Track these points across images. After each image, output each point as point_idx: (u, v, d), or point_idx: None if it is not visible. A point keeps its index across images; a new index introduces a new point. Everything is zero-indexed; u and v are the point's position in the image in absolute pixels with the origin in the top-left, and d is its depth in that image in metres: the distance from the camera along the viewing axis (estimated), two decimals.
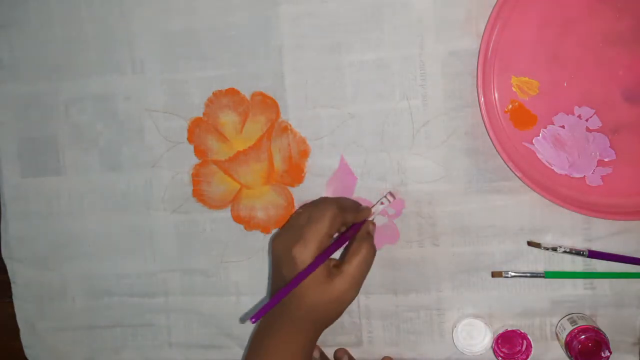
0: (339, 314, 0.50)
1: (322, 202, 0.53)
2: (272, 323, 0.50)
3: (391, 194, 0.55)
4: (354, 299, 0.49)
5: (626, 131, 0.52)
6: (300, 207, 0.56)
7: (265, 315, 0.49)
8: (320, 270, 0.47)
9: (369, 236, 0.52)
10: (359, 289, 0.49)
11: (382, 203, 0.55)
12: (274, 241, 0.51)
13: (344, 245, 0.52)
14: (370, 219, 0.55)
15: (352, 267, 0.48)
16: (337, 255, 0.54)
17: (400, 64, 0.55)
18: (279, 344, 0.49)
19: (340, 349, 0.58)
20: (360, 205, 0.55)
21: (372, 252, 0.50)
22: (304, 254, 0.47)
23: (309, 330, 0.50)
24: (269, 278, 0.59)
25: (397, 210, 0.56)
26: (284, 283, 0.48)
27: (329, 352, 0.59)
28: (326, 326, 0.50)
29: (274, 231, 0.58)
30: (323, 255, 0.48)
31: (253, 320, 0.43)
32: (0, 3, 0.60)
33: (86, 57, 0.59)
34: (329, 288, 0.48)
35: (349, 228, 0.52)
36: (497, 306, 0.56)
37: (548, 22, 0.52)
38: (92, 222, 0.61)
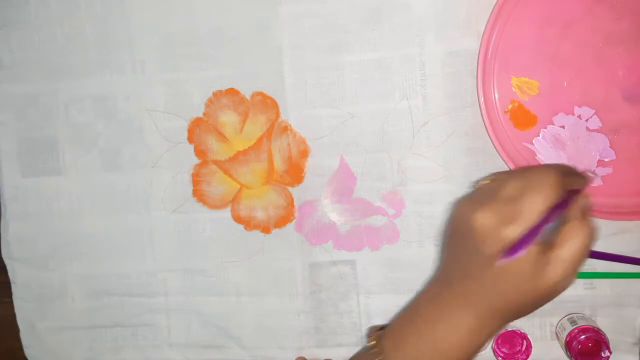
0: (541, 305, 0.41)
1: (536, 168, 0.41)
2: (453, 300, 0.41)
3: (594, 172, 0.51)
4: (566, 288, 0.39)
5: (626, 131, 0.52)
6: (495, 175, 0.43)
7: (443, 285, 0.42)
8: (528, 264, 0.38)
9: (587, 212, 0.41)
10: (573, 278, 0.39)
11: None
12: (471, 213, 0.39)
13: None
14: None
15: (571, 250, 0.38)
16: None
17: (400, 64, 0.55)
18: (461, 326, 0.40)
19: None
20: (576, 169, 0.43)
21: (593, 233, 0.40)
22: (520, 234, 0.37)
23: (497, 326, 0.41)
24: (442, 252, 0.47)
25: (397, 210, 0.56)
26: (484, 261, 0.38)
27: (329, 354, 0.59)
28: (523, 314, 0.41)
29: (457, 198, 0.45)
30: (553, 211, 0.38)
31: (507, 256, 0.36)
32: (0, 3, 0.60)
33: (86, 57, 0.59)
34: (542, 278, 0.38)
35: (561, 200, 0.40)
36: None
37: (548, 22, 0.52)
38: (92, 222, 0.61)
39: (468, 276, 0.40)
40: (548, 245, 0.39)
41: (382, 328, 0.45)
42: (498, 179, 0.41)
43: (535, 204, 0.38)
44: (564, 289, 0.40)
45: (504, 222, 0.38)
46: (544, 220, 0.38)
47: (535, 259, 0.38)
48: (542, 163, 0.48)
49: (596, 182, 0.53)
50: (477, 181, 0.44)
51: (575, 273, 0.39)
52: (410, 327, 0.43)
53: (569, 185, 0.41)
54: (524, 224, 0.38)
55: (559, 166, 0.41)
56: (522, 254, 0.36)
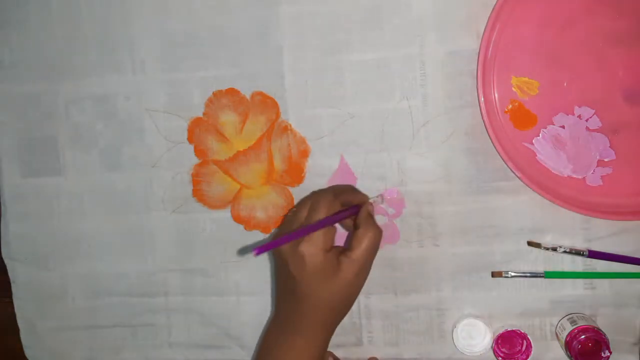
0: (351, 303, 0.50)
1: (316, 193, 0.53)
2: (283, 335, 0.50)
3: (382, 196, 0.56)
4: (362, 285, 0.49)
5: (626, 131, 0.52)
6: (295, 206, 0.56)
7: (274, 328, 0.51)
8: (324, 261, 0.47)
9: (371, 217, 0.51)
10: (367, 274, 0.49)
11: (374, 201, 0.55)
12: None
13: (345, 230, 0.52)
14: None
15: (359, 250, 0.48)
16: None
17: (400, 64, 0.55)
18: (297, 353, 0.49)
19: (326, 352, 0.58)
20: (355, 187, 0.55)
21: (378, 234, 0.49)
22: (311, 248, 0.46)
23: (326, 332, 0.50)
24: (272, 277, 0.59)
25: (397, 210, 0.56)
26: (293, 281, 0.47)
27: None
28: (339, 320, 0.50)
29: (273, 231, 0.58)
30: (327, 219, 0.47)
31: (256, 252, 0.41)
32: (0, 3, 0.60)
33: (86, 57, 0.59)
34: (338, 276, 0.47)
35: (345, 209, 0.51)
36: (497, 306, 0.56)
37: (548, 22, 0.52)
38: (92, 222, 0.61)
39: (287, 300, 0.49)
40: (344, 247, 0.49)
41: None
42: (298, 208, 0.51)
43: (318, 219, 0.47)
44: (361, 284, 0.49)
45: (299, 241, 0.46)
46: (310, 227, 0.47)
47: (328, 259, 0.47)
48: (320, 189, 0.56)
49: (596, 183, 0.53)
50: (287, 214, 0.55)
51: (365, 269, 0.49)
52: None
53: (347, 200, 0.51)
54: (314, 241, 0.47)
55: (334, 188, 0.54)
56: (270, 247, 0.43)
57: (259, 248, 0.41)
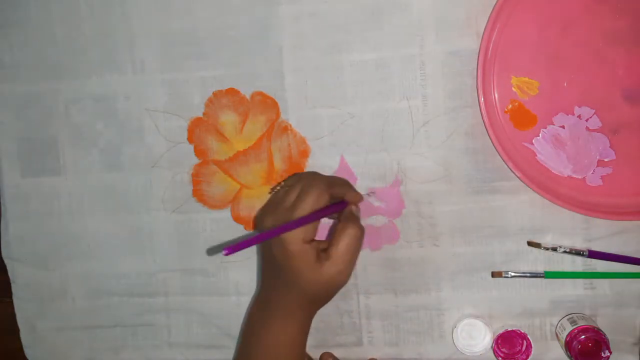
0: (330, 296, 0.50)
1: (310, 178, 0.51)
2: (264, 312, 0.50)
3: (374, 192, 0.56)
4: (346, 281, 0.48)
5: (626, 131, 0.52)
6: (285, 181, 0.55)
7: (257, 305, 0.51)
8: (309, 255, 0.46)
9: (353, 216, 0.50)
10: (350, 271, 0.48)
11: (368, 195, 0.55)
12: (262, 220, 0.50)
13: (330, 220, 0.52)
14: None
15: (339, 249, 0.47)
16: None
17: (400, 64, 0.55)
18: (275, 331, 0.49)
19: (326, 352, 0.58)
20: (350, 184, 0.54)
21: (359, 231, 0.48)
22: (293, 234, 0.46)
23: (304, 315, 0.50)
24: (257, 254, 0.58)
25: (397, 210, 0.56)
26: (275, 263, 0.48)
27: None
28: (318, 307, 0.51)
29: (258, 208, 0.57)
30: (307, 217, 0.46)
31: (226, 252, 0.40)
32: (0, 3, 0.60)
33: (86, 57, 0.59)
34: (319, 272, 0.47)
35: (333, 204, 0.50)
36: (497, 306, 0.56)
37: (548, 22, 0.52)
38: (92, 222, 0.61)
39: (269, 277, 0.50)
40: (328, 244, 0.48)
41: None
42: (286, 186, 0.51)
43: (302, 210, 0.46)
44: (343, 281, 0.48)
45: (281, 223, 0.46)
46: (306, 218, 0.46)
47: (318, 258, 0.47)
48: (315, 173, 0.55)
49: (596, 183, 0.53)
50: (272, 189, 0.54)
51: (349, 265, 0.48)
52: (246, 348, 0.52)
53: (339, 194, 0.50)
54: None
55: (330, 179, 0.52)
56: (241, 248, 0.41)
57: (229, 248, 0.40)
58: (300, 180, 0.50)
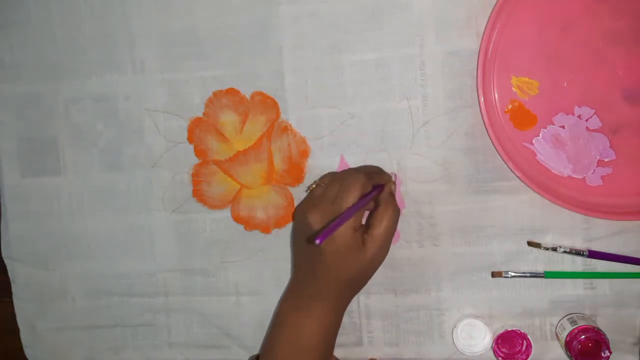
0: (369, 278, 0.52)
1: (348, 172, 0.53)
2: (298, 301, 0.52)
3: (395, 174, 0.56)
4: (383, 260, 0.51)
5: (626, 131, 0.52)
6: (322, 179, 0.55)
7: (291, 294, 0.53)
8: (358, 241, 0.48)
9: (392, 197, 0.52)
10: (387, 250, 0.51)
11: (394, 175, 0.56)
12: (305, 215, 0.50)
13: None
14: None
15: (381, 229, 0.49)
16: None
17: (400, 64, 0.55)
18: (309, 322, 0.50)
19: None
20: (381, 168, 0.55)
21: (397, 212, 0.51)
22: (342, 228, 0.47)
23: (342, 302, 0.52)
24: (291, 244, 0.58)
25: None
26: (318, 253, 0.48)
27: None
28: (355, 293, 0.53)
29: (297, 206, 0.57)
30: (358, 204, 0.48)
31: (319, 240, 0.41)
32: (0, 3, 0.60)
33: (86, 57, 0.59)
34: (363, 253, 0.49)
35: (373, 188, 0.51)
36: (497, 306, 0.56)
37: (548, 22, 0.52)
38: (92, 222, 0.61)
39: (311, 267, 0.50)
40: (365, 227, 0.50)
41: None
42: (324, 182, 0.53)
43: (347, 202, 0.48)
44: (382, 259, 0.50)
45: (328, 217, 0.49)
46: (353, 208, 0.47)
47: (356, 238, 0.48)
48: (351, 168, 0.56)
49: (596, 183, 0.53)
50: (309, 186, 0.55)
51: (386, 246, 0.50)
52: (278, 337, 0.52)
53: (376, 180, 0.51)
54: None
55: (365, 168, 0.54)
56: (329, 234, 0.42)
57: (321, 236, 0.41)
58: (337, 176, 0.53)
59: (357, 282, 0.52)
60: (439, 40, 0.54)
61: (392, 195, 0.52)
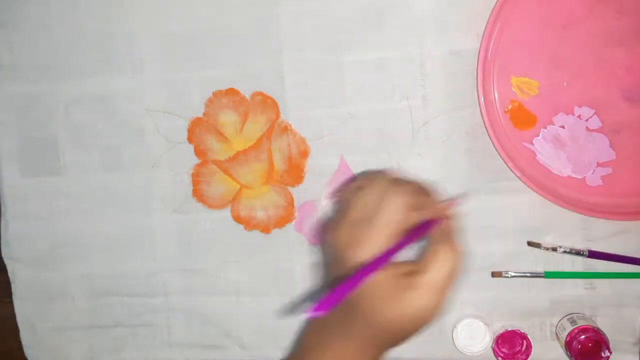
0: (407, 336, 0.39)
1: (391, 191, 0.39)
2: (329, 329, 0.40)
3: (461, 197, 0.50)
4: (434, 319, 0.37)
5: (626, 131, 0.52)
6: (359, 185, 0.42)
7: (319, 320, 0.40)
8: (386, 283, 0.37)
9: (447, 235, 0.40)
10: (441, 306, 0.37)
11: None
12: (332, 234, 0.40)
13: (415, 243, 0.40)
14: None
15: (428, 277, 0.37)
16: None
17: (400, 64, 0.55)
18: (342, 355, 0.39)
19: None
20: (436, 193, 0.42)
21: (456, 255, 0.38)
22: (363, 258, 0.37)
23: (375, 346, 0.39)
24: (322, 271, 0.55)
25: None
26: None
27: None
28: (387, 350, 0.40)
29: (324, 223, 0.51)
30: (393, 248, 0.37)
31: (317, 310, 0.32)
32: (1, 3, 0.60)
33: (86, 57, 0.59)
34: (397, 306, 0.36)
35: (421, 223, 0.40)
36: (497, 306, 0.56)
37: (548, 22, 0.52)
38: (92, 222, 0.61)
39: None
40: (414, 268, 0.37)
41: None
42: (363, 206, 0.39)
43: (378, 232, 0.37)
44: (433, 316, 0.37)
45: (349, 244, 0.37)
46: (396, 246, 0.37)
47: (397, 285, 0.36)
48: (397, 177, 0.42)
49: (596, 183, 0.53)
50: (341, 198, 0.44)
51: (443, 300, 0.37)
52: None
53: (428, 205, 0.39)
54: (366, 250, 0.37)
55: (412, 189, 0.40)
56: (334, 303, 0.32)
57: (321, 304, 0.32)
58: (378, 193, 0.40)
59: (386, 339, 0.39)
60: (439, 40, 0.54)
61: (446, 232, 0.40)
